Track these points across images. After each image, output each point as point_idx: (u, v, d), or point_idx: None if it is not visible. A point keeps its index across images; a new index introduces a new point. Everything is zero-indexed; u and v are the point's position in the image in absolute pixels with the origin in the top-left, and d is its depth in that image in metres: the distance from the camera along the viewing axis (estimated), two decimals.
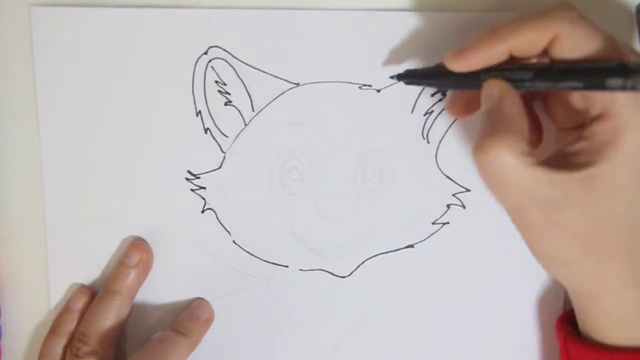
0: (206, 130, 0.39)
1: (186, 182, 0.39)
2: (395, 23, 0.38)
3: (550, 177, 0.28)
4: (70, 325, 0.39)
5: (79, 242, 0.40)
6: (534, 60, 0.32)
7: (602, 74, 0.28)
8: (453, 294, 0.40)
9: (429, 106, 0.39)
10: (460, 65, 0.32)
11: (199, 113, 0.39)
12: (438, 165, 0.39)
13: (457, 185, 0.39)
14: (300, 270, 0.40)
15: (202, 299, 0.40)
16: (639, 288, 0.31)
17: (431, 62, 0.38)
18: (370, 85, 0.39)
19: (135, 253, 0.39)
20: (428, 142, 0.39)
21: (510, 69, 0.31)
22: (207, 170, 0.39)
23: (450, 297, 0.40)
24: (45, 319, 0.41)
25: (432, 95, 0.38)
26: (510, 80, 0.31)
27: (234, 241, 0.40)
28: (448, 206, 0.40)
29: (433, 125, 0.39)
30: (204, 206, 0.40)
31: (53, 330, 0.39)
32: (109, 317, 0.38)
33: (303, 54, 0.38)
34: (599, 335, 0.33)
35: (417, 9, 0.38)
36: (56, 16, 0.38)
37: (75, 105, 0.39)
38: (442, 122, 0.39)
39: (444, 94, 0.38)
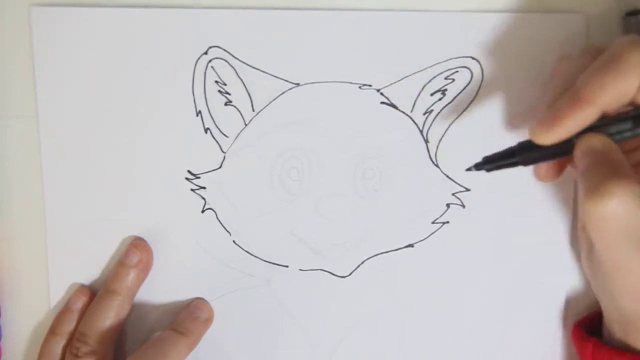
0: (206, 130, 0.39)
1: (186, 182, 0.39)
2: (396, 23, 0.38)
3: None
4: (69, 325, 0.39)
5: (79, 242, 0.40)
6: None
7: None
8: (453, 293, 0.40)
9: (429, 105, 0.39)
10: (552, 138, 0.31)
11: (199, 113, 0.39)
12: (438, 165, 0.39)
13: (456, 184, 0.39)
14: (300, 270, 0.40)
15: (201, 299, 0.40)
16: None
17: (430, 62, 0.38)
18: (370, 85, 0.39)
19: (135, 253, 0.39)
20: (428, 142, 0.39)
21: (606, 124, 0.31)
22: (207, 170, 0.39)
23: (450, 296, 0.41)
24: (45, 319, 0.41)
25: (432, 94, 0.39)
26: (609, 135, 0.31)
27: (234, 241, 0.40)
28: (448, 205, 0.40)
29: (433, 125, 0.39)
30: (204, 206, 0.40)
31: (53, 330, 0.39)
32: (109, 316, 0.38)
33: (303, 54, 0.38)
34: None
35: (417, 9, 0.38)
36: (56, 16, 0.38)
37: (75, 105, 0.39)
38: (442, 121, 0.39)
39: (443, 93, 0.38)
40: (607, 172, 0.29)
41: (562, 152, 0.32)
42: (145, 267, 0.39)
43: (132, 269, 0.39)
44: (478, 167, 0.34)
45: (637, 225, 0.28)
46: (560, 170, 0.34)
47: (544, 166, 0.34)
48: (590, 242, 0.32)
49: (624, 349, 0.34)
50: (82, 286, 0.40)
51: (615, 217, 0.28)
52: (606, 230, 0.29)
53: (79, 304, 0.39)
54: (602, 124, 0.31)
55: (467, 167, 0.34)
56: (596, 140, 0.30)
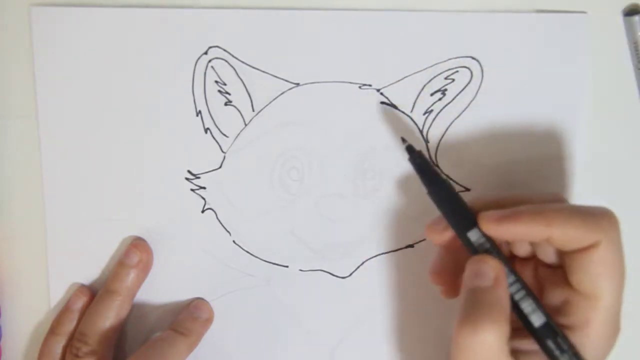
0: (206, 130, 0.39)
1: (186, 182, 0.39)
2: (396, 23, 0.38)
3: None
4: (69, 325, 0.39)
5: (79, 242, 0.40)
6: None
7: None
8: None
9: (429, 105, 0.39)
10: (496, 230, 0.32)
11: (199, 113, 0.39)
12: (438, 165, 0.39)
13: (456, 184, 0.39)
14: (300, 270, 0.40)
15: (202, 299, 0.40)
16: None
17: (430, 62, 0.38)
18: (370, 85, 0.39)
19: (135, 253, 0.39)
20: (428, 142, 0.39)
21: (508, 262, 0.32)
22: (207, 170, 0.39)
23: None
24: (45, 319, 0.41)
25: (432, 94, 0.39)
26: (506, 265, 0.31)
27: (234, 241, 0.40)
28: None
29: (432, 125, 0.39)
30: (204, 206, 0.40)
31: (53, 330, 0.39)
32: (109, 317, 0.38)
33: (303, 54, 0.38)
34: None
35: (417, 9, 0.38)
36: (56, 16, 0.38)
37: (75, 105, 0.39)
38: (442, 121, 0.39)
39: (443, 93, 0.38)
40: (487, 306, 0.29)
41: (459, 231, 0.33)
42: (145, 267, 0.39)
43: (132, 269, 0.39)
44: (409, 150, 0.35)
45: None
46: (454, 284, 0.35)
47: (447, 283, 0.35)
48: None
49: None
50: (82, 286, 0.40)
51: (479, 355, 0.29)
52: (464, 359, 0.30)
53: (79, 303, 0.39)
54: (504, 259, 0.32)
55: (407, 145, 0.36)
56: (492, 266, 0.31)
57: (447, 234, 0.34)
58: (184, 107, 0.39)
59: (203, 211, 0.40)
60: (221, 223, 0.40)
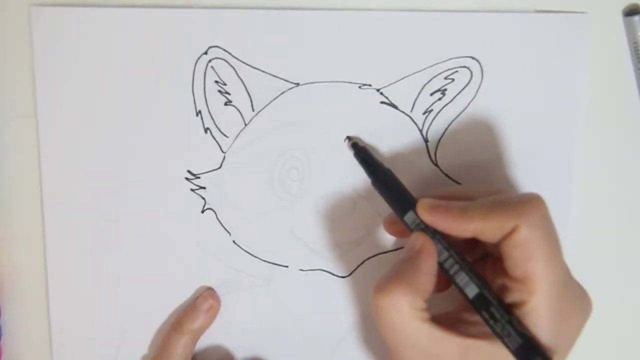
0: (206, 130, 0.39)
1: (186, 182, 0.39)
2: (395, 23, 0.38)
3: (434, 334, 0.31)
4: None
5: (78, 242, 0.40)
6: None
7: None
8: (452, 293, 0.40)
9: (428, 105, 0.39)
10: (427, 218, 0.33)
11: (199, 113, 0.39)
12: (437, 164, 0.39)
13: (456, 184, 0.39)
14: (300, 270, 0.40)
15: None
16: None
17: (430, 62, 0.38)
18: (370, 85, 0.39)
19: (208, 300, 0.40)
20: (428, 142, 0.39)
21: (443, 240, 0.33)
22: (207, 170, 0.39)
23: (449, 296, 0.40)
24: (45, 319, 0.41)
25: (432, 94, 0.39)
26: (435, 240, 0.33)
27: (234, 241, 0.40)
28: None
29: (432, 124, 0.39)
30: (204, 206, 0.40)
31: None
32: (177, 354, 0.39)
33: (303, 54, 0.38)
34: None
35: (417, 9, 0.38)
36: (56, 16, 0.38)
37: (74, 105, 0.39)
38: (442, 121, 0.39)
39: (443, 93, 0.38)
40: (401, 271, 0.32)
41: (399, 212, 0.35)
42: (213, 314, 0.40)
43: (203, 313, 0.40)
44: (353, 145, 0.38)
45: (408, 329, 0.31)
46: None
47: (397, 229, 0.37)
48: None
49: None
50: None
51: (386, 315, 0.31)
52: (380, 323, 0.32)
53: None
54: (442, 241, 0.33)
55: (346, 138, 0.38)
56: (420, 240, 0.33)
57: (398, 226, 0.36)
58: (184, 107, 0.39)
59: (203, 211, 0.40)
60: (221, 223, 0.40)
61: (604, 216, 0.40)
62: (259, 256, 0.40)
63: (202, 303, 0.40)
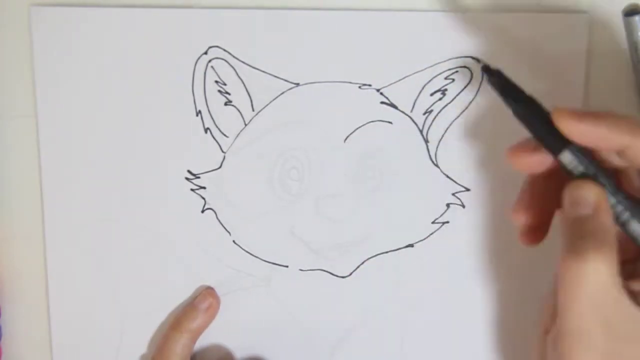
0: (206, 130, 0.39)
1: (186, 182, 0.39)
2: (396, 23, 0.38)
3: (632, 309, 0.27)
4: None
5: (78, 242, 0.40)
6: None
7: None
8: (453, 293, 0.40)
9: (429, 105, 0.39)
10: (574, 128, 0.28)
11: (199, 113, 0.39)
12: (437, 165, 0.39)
13: (456, 184, 0.39)
14: (300, 270, 0.40)
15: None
16: None
17: (430, 62, 0.38)
18: (370, 85, 0.39)
19: (208, 299, 0.40)
20: (428, 142, 0.39)
21: (610, 181, 0.29)
22: (207, 170, 0.39)
23: (449, 296, 0.40)
24: (45, 319, 0.41)
25: (432, 94, 0.39)
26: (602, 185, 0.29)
27: (234, 241, 0.40)
28: (448, 205, 0.40)
29: (433, 125, 0.39)
30: (204, 206, 0.40)
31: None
32: (177, 353, 0.39)
33: (303, 54, 0.38)
34: None
35: (417, 9, 0.38)
36: (56, 16, 0.38)
37: (74, 105, 0.39)
38: (442, 121, 0.39)
39: (443, 93, 0.38)
40: (591, 233, 0.27)
41: (553, 149, 0.29)
42: (212, 313, 0.40)
43: (202, 312, 0.39)
44: (487, 70, 0.32)
45: (605, 297, 0.27)
46: (542, 235, 0.32)
47: (527, 231, 0.32)
48: (552, 316, 0.30)
49: None
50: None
51: (588, 283, 0.27)
52: (574, 293, 0.27)
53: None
54: (607, 180, 0.29)
55: (483, 65, 0.32)
56: (592, 191, 0.28)
57: (536, 157, 0.30)
58: (184, 107, 0.39)
59: (203, 211, 0.40)
60: (221, 223, 0.40)
61: None
62: (259, 256, 0.40)
63: (201, 302, 0.40)
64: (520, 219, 0.32)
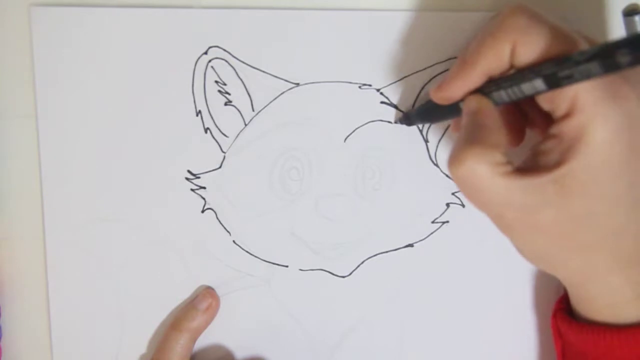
0: (206, 130, 0.39)
1: (186, 182, 0.39)
2: (395, 23, 0.38)
3: (524, 183, 0.29)
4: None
5: (78, 242, 0.40)
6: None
7: (554, 68, 0.28)
8: (453, 292, 0.40)
9: None
10: (442, 97, 0.33)
11: (199, 113, 0.39)
12: (437, 164, 0.39)
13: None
14: (300, 270, 0.40)
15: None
16: (622, 273, 0.31)
17: (430, 62, 0.38)
18: (370, 85, 0.39)
19: (207, 299, 0.40)
20: (428, 142, 0.39)
21: (492, 87, 0.31)
22: (207, 170, 0.39)
23: (450, 296, 0.41)
24: (45, 319, 0.41)
25: None
26: (486, 95, 0.31)
27: (234, 241, 0.40)
28: (447, 205, 0.40)
29: (432, 125, 0.39)
30: (204, 206, 0.40)
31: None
32: (176, 352, 0.39)
33: (303, 54, 0.38)
34: (590, 315, 0.34)
35: (417, 9, 0.38)
36: (56, 16, 0.38)
37: (74, 105, 0.39)
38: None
39: None
40: (466, 136, 0.30)
41: (454, 112, 0.33)
42: (212, 313, 0.40)
43: (201, 312, 0.39)
44: (401, 120, 0.38)
45: (496, 188, 0.29)
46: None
47: (454, 123, 0.37)
48: None
49: (578, 318, 0.35)
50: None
51: (471, 182, 0.29)
52: (468, 194, 0.30)
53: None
54: (487, 88, 0.31)
55: (394, 120, 0.38)
56: (472, 101, 0.31)
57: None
58: (184, 107, 0.39)
59: (203, 211, 0.40)
60: (221, 223, 0.40)
61: None
62: (259, 256, 0.40)
63: (201, 302, 0.40)
64: (438, 99, 0.34)
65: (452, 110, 0.33)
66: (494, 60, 0.30)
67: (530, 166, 0.30)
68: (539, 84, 0.28)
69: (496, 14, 0.32)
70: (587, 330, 0.33)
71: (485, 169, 0.29)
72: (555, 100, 0.29)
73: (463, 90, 0.32)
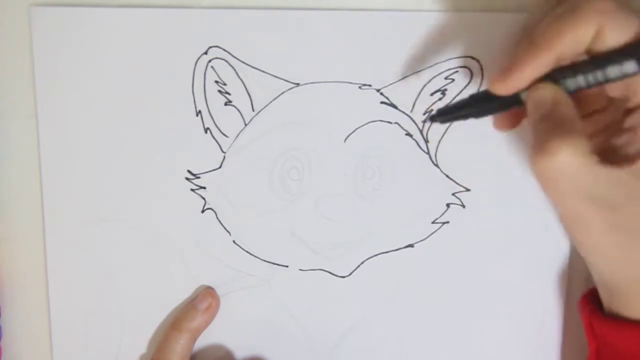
0: (206, 130, 0.39)
1: (186, 182, 0.39)
2: (395, 23, 0.38)
3: (609, 174, 0.28)
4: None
5: (78, 242, 0.40)
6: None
7: None
8: (453, 292, 0.40)
9: (429, 105, 0.39)
10: (509, 87, 0.30)
11: (199, 113, 0.39)
12: (438, 165, 0.39)
13: (456, 184, 0.39)
14: (300, 270, 0.40)
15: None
16: None
17: (430, 62, 0.38)
18: (370, 85, 0.39)
19: (207, 299, 0.40)
20: (428, 142, 0.39)
21: (562, 74, 0.30)
22: (207, 170, 0.39)
23: (450, 296, 0.41)
24: (45, 319, 0.41)
25: (432, 94, 0.39)
26: (557, 82, 0.30)
27: (234, 241, 0.40)
28: (448, 205, 0.40)
29: (433, 125, 0.39)
30: (204, 206, 0.40)
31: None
32: (176, 352, 0.39)
33: (303, 54, 0.38)
34: (631, 313, 0.33)
35: (417, 9, 0.38)
36: (56, 16, 0.38)
37: (74, 105, 0.39)
38: None
39: (443, 93, 0.38)
40: (553, 128, 0.28)
41: (514, 102, 0.31)
42: (212, 313, 0.40)
43: (201, 312, 0.39)
44: (433, 119, 0.34)
45: (585, 180, 0.28)
46: (517, 120, 0.34)
47: (500, 116, 0.34)
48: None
49: (613, 316, 0.34)
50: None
51: (562, 175, 0.28)
52: (554, 188, 0.29)
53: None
54: (559, 75, 0.30)
55: (422, 119, 0.36)
56: (547, 91, 0.30)
57: (507, 120, 0.34)
58: (184, 107, 0.39)
59: (203, 211, 0.40)
60: (221, 223, 0.40)
61: None
62: (259, 256, 0.40)
63: (201, 301, 0.40)
64: (501, 90, 0.32)
65: (508, 101, 0.31)
66: (572, 43, 0.29)
67: (605, 159, 0.29)
68: (631, 66, 0.27)
69: None
70: (634, 329, 0.32)
71: (581, 159, 0.27)
72: (631, 88, 0.28)
73: (532, 77, 0.30)
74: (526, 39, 0.30)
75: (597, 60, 0.28)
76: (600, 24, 0.28)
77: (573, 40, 0.29)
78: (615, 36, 0.28)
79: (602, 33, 0.28)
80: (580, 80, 0.29)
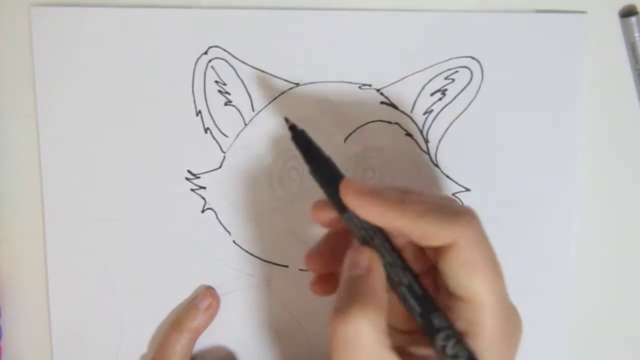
0: (206, 130, 0.39)
1: (186, 182, 0.39)
2: (396, 23, 0.38)
3: None
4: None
5: (78, 242, 0.40)
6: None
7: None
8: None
9: (429, 105, 0.39)
10: (354, 202, 0.30)
11: (199, 113, 0.39)
12: (438, 165, 0.39)
13: (456, 184, 0.39)
14: (300, 270, 0.40)
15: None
16: None
17: (430, 62, 0.38)
18: (370, 85, 0.39)
19: (208, 298, 0.40)
20: (428, 142, 0.39)
21: (388, 254, 0.30)
22: (207, 170, 0.39)
23: None
24: (45, 319, 0.41)
25: (432, 94, 0.39)
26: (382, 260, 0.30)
27: (234, 241, 0.40)
28: None
29: (433, 125, 0.39)
30: (204, 206, 0.40)
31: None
32: (177, 351, 0.39)
33: (303, 54, 0.38)
34: None
35: (417, 9, 0.38)
36: (56, 16, 0.38)
37: (74, 105, 0.39)
38: (442, 121, 0.39)
39: (443, 93, 0.38)
40: (360, 293, 0.28)
41: (338, 206, 0.31)
42: (213, 313, 0.40)
43: (202, 312, 0.40)
44: (291, 128, 0.33)
45: (371, 356, 0.27)
46: (332, 287, 0.33)
47: (317, 280, 0.33)
48: None
49: None
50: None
51: (354, 343, 0.27)
52: (343, 352, 0.27)
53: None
54: (387, 248, 0.30)
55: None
56: (366, 255, 0.29)
57: (330, 214, 0.32)
58: (184, 107, 0.39)
59: (203, 211, 0.40)
60: (221, 223, 0.40)
61: (604, 215, 0.40)
62: (259, 256, 0.40)
63: (201, 301, 0.40)
64: (310, 266, 0.33)
65: (341, 205, 0.30)
66: (424, 235, 0.28)
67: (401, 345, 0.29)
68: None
69: (459, 206, 0.30)
70: None
71: (373, 334, 0.27)
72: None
73: (374, 216, 0.29)
74: (400, 193, 0.30)
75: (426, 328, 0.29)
76: (459, 242, 0.28)
77: (428, 232, 0.28)
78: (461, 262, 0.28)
79: (452, 250, 0.28)
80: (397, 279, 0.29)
